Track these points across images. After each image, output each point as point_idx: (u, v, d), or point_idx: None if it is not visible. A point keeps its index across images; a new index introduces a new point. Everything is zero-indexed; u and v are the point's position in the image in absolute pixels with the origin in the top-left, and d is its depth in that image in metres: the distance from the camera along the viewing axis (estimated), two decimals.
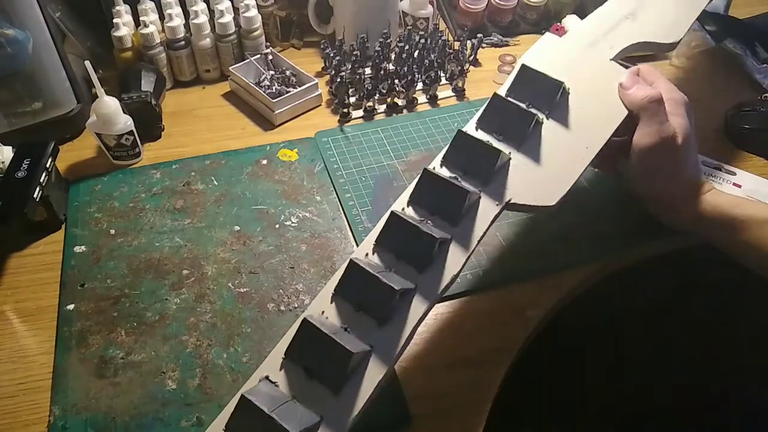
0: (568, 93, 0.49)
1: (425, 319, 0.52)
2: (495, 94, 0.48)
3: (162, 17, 0.75)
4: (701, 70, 0.82)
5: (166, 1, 0.74)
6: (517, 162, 0.46)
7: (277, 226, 0.60)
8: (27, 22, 0.61)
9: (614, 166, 0.57)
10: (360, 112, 0.74)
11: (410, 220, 0.40)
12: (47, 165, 0.57)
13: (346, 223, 0.61)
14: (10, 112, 0.65)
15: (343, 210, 0.62)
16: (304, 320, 0.35)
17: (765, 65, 0.79)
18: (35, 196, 0.55)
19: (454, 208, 0.41)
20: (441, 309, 0.53)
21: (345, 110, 0.73)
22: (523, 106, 0.48)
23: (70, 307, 0.53)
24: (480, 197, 0.43)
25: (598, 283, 0.58)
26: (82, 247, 0.58)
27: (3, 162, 0.57)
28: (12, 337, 0.51)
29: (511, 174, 0.45)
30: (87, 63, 0.60)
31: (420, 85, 0.77)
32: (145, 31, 0.72)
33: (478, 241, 0.41)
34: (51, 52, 0.64)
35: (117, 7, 0.73)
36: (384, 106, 0.75)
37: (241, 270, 0.56)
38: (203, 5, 0.74)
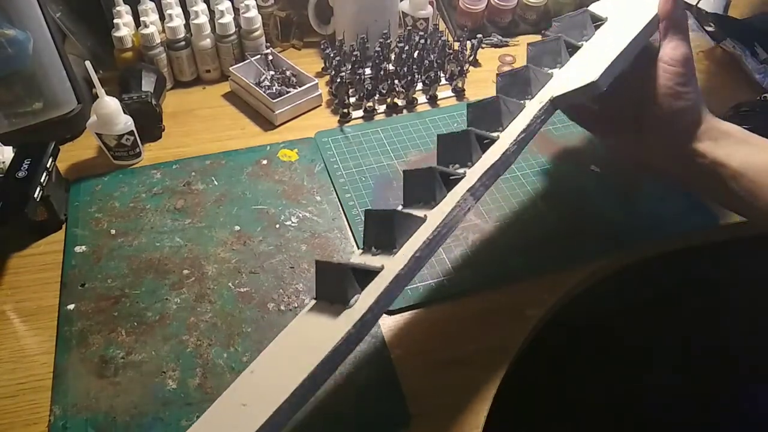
0: (605, 20, 0.54)
1: (424, 320, 0.53)
2: (528, 44, 0.53)
3: (162, 17, 0.75)
4: (700, 70, 0.82)
5: (167, 2, 0.74)
6: (558, 75, 0.50)
7: (277, 226, 0.61)
8: (27, 22, 0.61)
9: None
10: (360, 113, 0.74)
11: (458, 131, 0.45)
12: (48, 165, 0.57)
13: (346, 223, 0.61)
14: (11, 112, 0.65)
15: (343, 210, 0.62)
16: (366, 210, 0.42)
17: (764, 65, 0.79)
18: (36, 196, 0.55)
19: (496, 116, 0.46)
20: (440, 309, 0.54)
21: (345, 110, 0.73)
22: (556, 35, 0.52)
23: (71, 306, 0.53)
24: (524, 107, 0.48)
25: (597, 283, 0.58)
26: (83, 247, 0.58)
27: (3, 162, 0.57)
28: (12, 336, 0.52)
29: (552, 83, 0.50)
30: (87, 63, 0.60)
31: (420, 86, 0.77)
32: (145, 31, 0.73)
33: (522, 133, 0.45)
34: (51, 52, 0.64)
35: (117, 8, 0.73)
36: (384, 107, 0.75)
37: (241, 270, 0.56)
38: (203, 6, 0.74)
